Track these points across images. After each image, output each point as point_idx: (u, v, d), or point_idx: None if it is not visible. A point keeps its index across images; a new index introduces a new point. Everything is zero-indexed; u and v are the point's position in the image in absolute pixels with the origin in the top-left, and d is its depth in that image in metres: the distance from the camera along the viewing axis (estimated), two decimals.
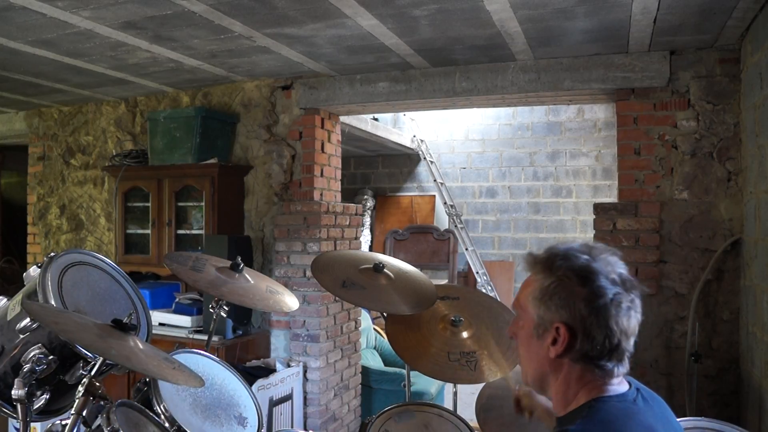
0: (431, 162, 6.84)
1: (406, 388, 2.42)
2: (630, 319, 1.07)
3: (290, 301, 2.30)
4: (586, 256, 1.09)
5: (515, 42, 3.14)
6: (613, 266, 1.09)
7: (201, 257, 2.31)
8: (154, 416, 1.70)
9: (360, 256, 2.46)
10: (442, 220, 7.03)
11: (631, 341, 1.08)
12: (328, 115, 4.15)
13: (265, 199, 4.09)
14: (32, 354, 1.51)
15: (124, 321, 1.49)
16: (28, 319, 1.55)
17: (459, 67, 3.63)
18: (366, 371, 4.58)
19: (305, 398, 3.89)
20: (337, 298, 4.01)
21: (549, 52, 3.33)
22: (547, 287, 1.09)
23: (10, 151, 6.25)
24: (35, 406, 1.50)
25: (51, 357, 1.52)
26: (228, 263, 2.30)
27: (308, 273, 3.85)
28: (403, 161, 7.31)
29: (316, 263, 2.25)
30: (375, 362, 5.03)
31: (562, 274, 1.08)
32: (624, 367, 1.09)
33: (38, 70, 3.76)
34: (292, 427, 3.66)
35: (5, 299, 1.77)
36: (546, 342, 1.10)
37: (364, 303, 2.42)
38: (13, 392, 1.44)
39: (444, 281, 6.52)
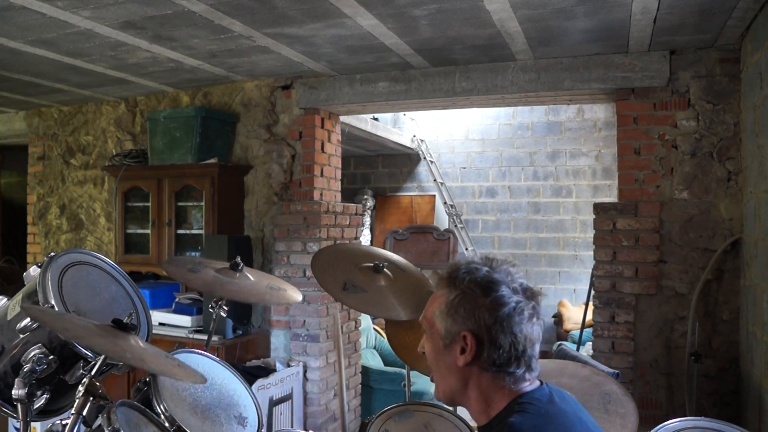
0: (431, 162, 6.84)
1: (406, 388, 2.42)
2: (533, 326, 1.12)
3: (293, 294, 2.29)
4: (486, 268, 1.14)
5: (515, 42, 3.14)
6: (513, 276, 1.14)
7: (201, 261, 2.30)
8: (154, 416, 1.70)
9: (361, 250, 2.44)
10: (442, 220, 7.02)
11: (537, 347, 1.13)
12: (328, 114, 4.15)
13: (265, 199, 4.09)
14: (32, 354, 1.51)
15: (124, 321, 1.49)
16: (28, 319, 1.55)
17: (459, 67, 3.63)
18: (366, 371, 4.58)
19: (305, 398, 3.89)
20: None
21: (549, 52, 3.33)
22: (452, 300, 1.13)
23: (10, 151, 6.25)
24: (35, 406, 1.49)
25: (51, 357, 1.52)
26: (227, 264, 2.29)
27: (308, 273, 3.85)
28: (403, 161, 7.30)
29: (316, 260, 2.24)
30: (375, 362, 5.03)
31: (466, 287, 1.13)
32: (534, 372, 1.13)
33: (38, 70, 3.76)
34: (292, 427, 3.66)
35: (5, 299, 1.77)
36: (455, 352, 1.13)
37: (364, 308, 2.39)
38: (13, 392, 1.44)
39: None
